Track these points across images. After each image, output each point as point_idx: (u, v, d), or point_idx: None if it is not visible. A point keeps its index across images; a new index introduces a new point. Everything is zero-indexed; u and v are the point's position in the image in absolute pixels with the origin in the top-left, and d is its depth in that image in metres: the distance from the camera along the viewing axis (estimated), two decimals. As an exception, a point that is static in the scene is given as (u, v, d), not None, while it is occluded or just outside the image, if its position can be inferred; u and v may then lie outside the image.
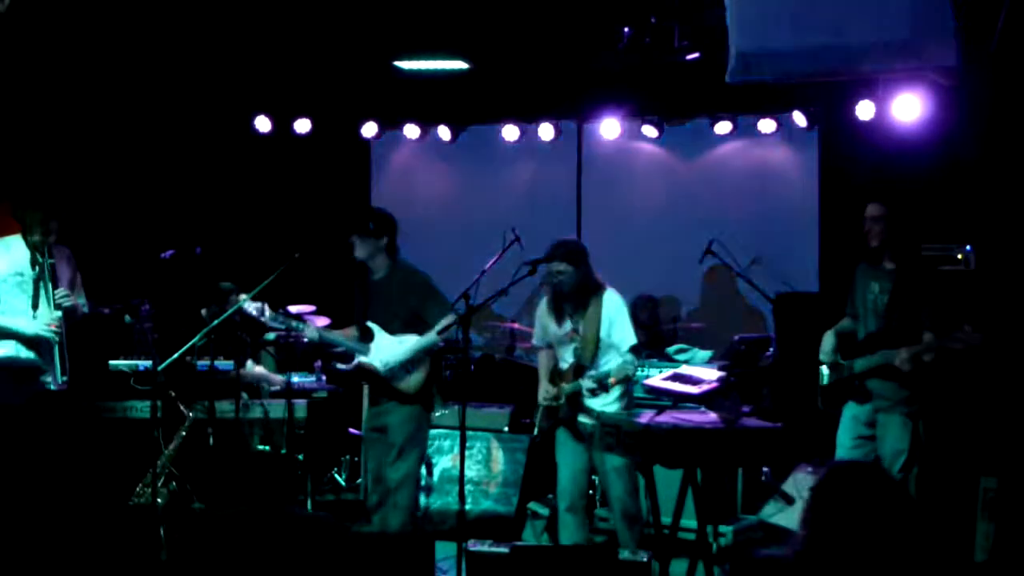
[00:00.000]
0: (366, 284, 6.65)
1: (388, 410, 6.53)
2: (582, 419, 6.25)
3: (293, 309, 7.35)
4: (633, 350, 6.24)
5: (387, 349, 6.49)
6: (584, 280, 6.26)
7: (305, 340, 6.75)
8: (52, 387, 6.25)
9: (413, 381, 6.48)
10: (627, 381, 6.26)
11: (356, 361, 6.56)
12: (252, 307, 6.43)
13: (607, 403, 6.21)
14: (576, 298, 6.28)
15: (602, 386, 6.08)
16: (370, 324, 6.54)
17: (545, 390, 6.38)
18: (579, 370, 6.21)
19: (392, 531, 6.40)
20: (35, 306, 6.24)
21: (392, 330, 6.51)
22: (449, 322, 6.29)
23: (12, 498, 5.97)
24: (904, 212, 6.19)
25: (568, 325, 6.32)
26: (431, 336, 6.40)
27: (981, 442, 6.58)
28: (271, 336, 7.97)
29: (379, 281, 6.60)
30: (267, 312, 6.46)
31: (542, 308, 6.49)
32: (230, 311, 6.60)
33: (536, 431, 6.47)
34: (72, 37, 7.82)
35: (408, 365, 6.46)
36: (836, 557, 3.09)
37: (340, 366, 6.83)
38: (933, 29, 4.08)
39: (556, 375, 6.39)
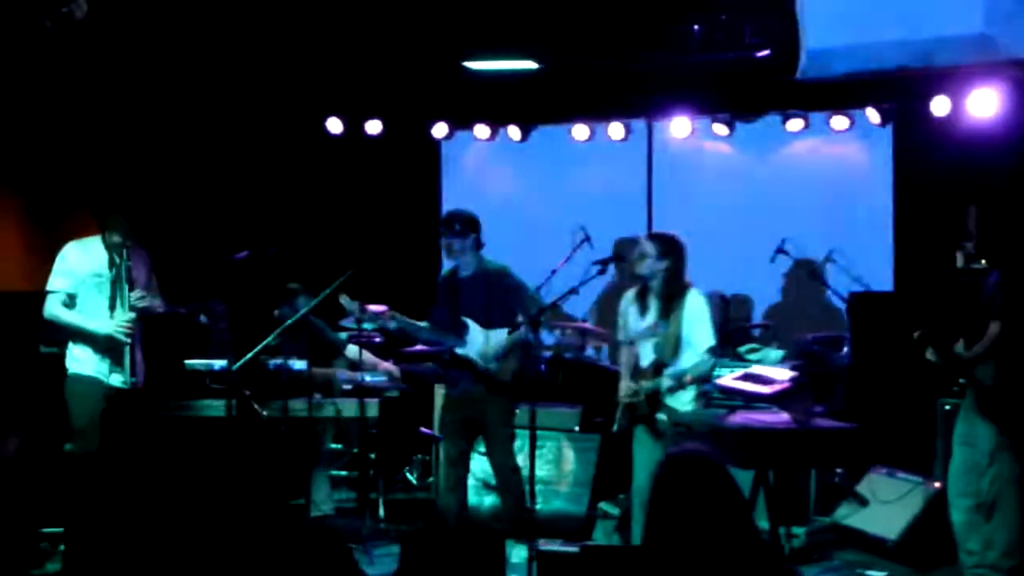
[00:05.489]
0: (455, 282, 6.81)
1: (483, 399, 6.70)
2: (660, 416, 6.23)
3: (370, 308, 7.42)
4: (711, 351, 6.22)
5: (482, 342, 6.69)
6: (672, 275, 6.27)
7: (393, 328, 6.91)
8: (122, 386, 6.35)
9: (507, 370, 6.67)
10: (704, 381, 6.24)
11: (455, 354, 6.76)
12: (353, 306, 6.63)
13: (684, 403, 6.19)
14: (661, 292, 6.28)
15: (679, 384, 6.08)
16: (465, 319, 6.71)
17: (626, 387, 6.38)
18: (659, 368, 6.20)
19: (506, 512, 6.70)
20: (112, 307, 6.35)
21: (487, 324, 6.69)
22: (537, 316, 6.48)
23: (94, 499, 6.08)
24: (996, 210, 6.06)
25: (650, 319, 6.31)
26: (523, 329, 6.59)
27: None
28: (344, 336, 8.05)
29: (468, 278, 6.79)
30: (367, 310, 6.68)
31: (626, 300, 6.49)
32: (304, 310, 6.68)
33: (616, 427, 6.47)
34: (150, 43, 7.95)
35: (502, 356, 6.64)
36: (675, 546, 3.18)
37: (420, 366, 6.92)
38: (1008, 21, 4.00)
39: (637, 372, 6.38)
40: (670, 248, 6.28)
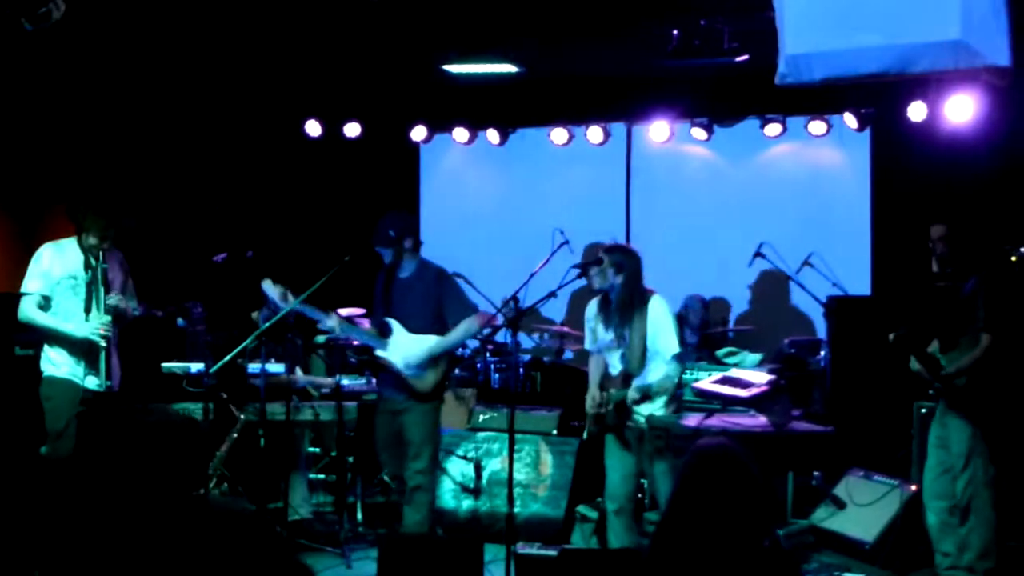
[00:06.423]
0: (391, 281, 6.65)
1: (403, 408, 6.53)
2: (630, 423, 6.23)
3: (343, 312, 7.39)
4: (677, 358, 6.21)
5: (406, 346, 6.50)
6: (629, 287, 6.23)
7: (342, 336, 6.78)
8: (98, 389, 6.32)
9: (429, 380, 6.50)
10: (671, 390, 6.24)
11: (375, 355, 6.59)
12: (275, 291, 6.42)
13: (655, 408, 6.19)
14: (621, 304, 6.25)
15: (644, 396, 6.09)
16: (390, 320, 6.57)
17: (592, 397, 6.36)
18: (627, 378, 6.19)
19: (408, 528, 6.45)
20: (87, 309, 6.31)
21: (413, 328, 6.52)
22: (470, 327, 6.46)
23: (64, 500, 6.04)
24: (968, 224, 6.10)
25: (613, 331, 6.30)
26: (452, 337, 6.49)
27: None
28: (321, 339, 8.03)
29: (405, 279, 6.62)
30: (289, 297, 6.44)
31: (590, 312, 6.47)
32: (280, 313, 6.64)
33: (585, 435, 6.48)
34: (126, 43, 7.92)
35: (427, 364, 6.48)
36: (695, 533, 3.24)
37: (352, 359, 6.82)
38: (985, 28, 4.03)
39: (606, 381, 6.37)
40: (625, 260, 6.25)
